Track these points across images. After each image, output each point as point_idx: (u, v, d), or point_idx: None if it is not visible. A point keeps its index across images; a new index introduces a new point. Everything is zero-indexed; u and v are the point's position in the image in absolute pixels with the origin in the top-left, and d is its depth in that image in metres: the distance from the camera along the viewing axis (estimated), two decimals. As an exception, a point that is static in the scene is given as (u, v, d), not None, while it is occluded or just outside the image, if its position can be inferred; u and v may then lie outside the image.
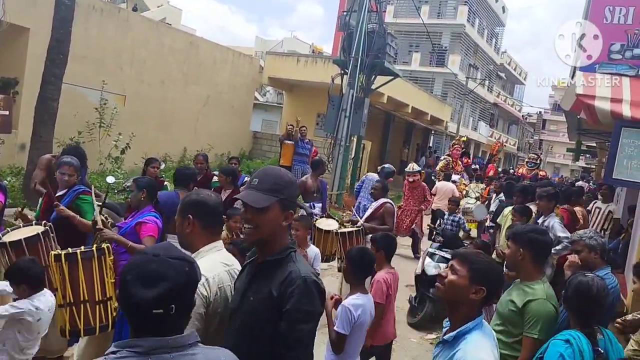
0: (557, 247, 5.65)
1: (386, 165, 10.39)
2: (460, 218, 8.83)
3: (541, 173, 16.02)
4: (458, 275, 2.23)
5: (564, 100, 6.17)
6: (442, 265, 6.67)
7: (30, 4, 10.69)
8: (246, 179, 7.94)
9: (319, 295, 1.99)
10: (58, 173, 4.50)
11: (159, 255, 1.54)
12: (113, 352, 1.49)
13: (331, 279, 7.58)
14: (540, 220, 6.19)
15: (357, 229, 6.10)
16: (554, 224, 6.02)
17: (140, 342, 1.49)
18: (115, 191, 8.27)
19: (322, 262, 6.78)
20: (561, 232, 5.91)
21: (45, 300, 3.56)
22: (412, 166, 10.70)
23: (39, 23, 10.24)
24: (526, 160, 16.98)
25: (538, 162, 16.25)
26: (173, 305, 1.49)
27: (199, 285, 2.01)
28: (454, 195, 11.76)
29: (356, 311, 3.31)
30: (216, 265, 2.27)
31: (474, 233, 12.30)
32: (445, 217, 8.94)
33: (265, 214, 2.04)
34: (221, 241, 2.46)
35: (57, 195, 4.42)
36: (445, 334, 2.28)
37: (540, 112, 56.12)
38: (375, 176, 9.40)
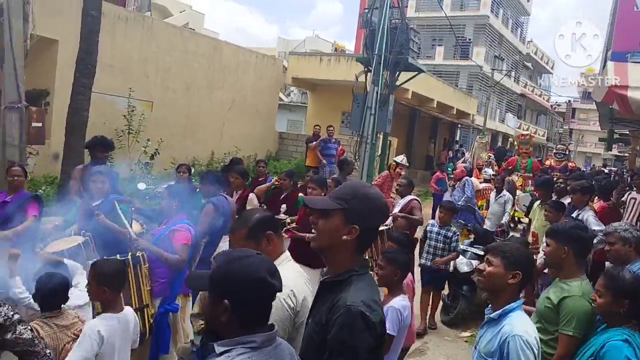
0: (593, 241, 5.54)
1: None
2: (454, 233, 6.34)
3: (570, 164, 15.68)
4: (494, 266, 2.55)
5: (595, 91, 6.03)
6: (474, 262, 6.59)
7: (58, 16, 10.93)
8: (273, 179, 7.99)
9: (367, 329, 1.75)
10: (91, 182, 4.59)
11: (260, 254, 1.76)
12: (226, 352, 1.62)
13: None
14: (574, 214, 6.08)
15: (384, 227, 6.07)
16: (589, 217, 5.92)
17: (254, 338, 1.64)
18: (147, 197, 8.40)
19: None
20: (596, 225, 5.79)
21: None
22: (404, 159, 10.52)
23: (67, 35, 10.46)
24: (554, 151, 16.68)
25: (567, 152, 15.94)
26: None
27: (285, 297, 2.21)
28: (477, 187, 11.52)
29: (404, 312, 3.36)
30: (296, 276, 2.37)
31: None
32: (435, 229, 6.42)
33: (325, 219, 1.93)
34: (287, 250, 2.54)
35: (93, 205, 4.51)
36: (490, 314, 2.59)
37: (569, 101, 54.93)
38: (476, 181, 9.56)
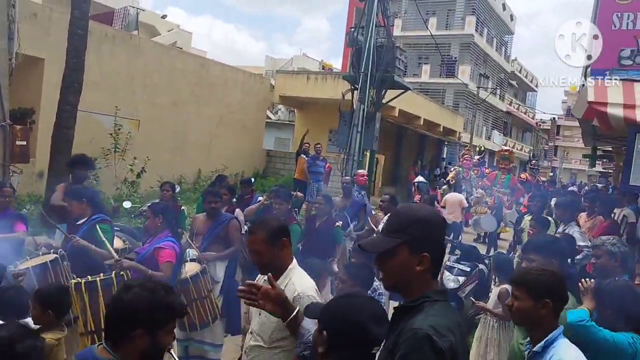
0: (579, 257, 5.59)
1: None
2: None
3: (541, 179, 16.08)
4: (521, 300, 2.46)
5: (575, 108, 6.15)
6: (461, 279, 6.60)
7: (44, 35, 10.93)
8: (259, 198, 7.95)
9: (432, 353, 1.61)
10: (72, 204, 4.56)
11: (373, 299, 1.74)
12: None
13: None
14: (560, 229, 6.13)
15: None
16: (574, 233, 5.97)
17: None
18: (132, 216, 8.35)
19: None
20: (582, 241, 5.84)
21: None
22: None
23: (54, 53, 10.45)
24: (529, 166, 17.18)
25: (538, 168, 16.46)
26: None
27: (312, 293, 2.48)
28: (463, 205, 11.55)
29: None
30: (309, 281, 2.64)
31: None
32: None
33: (391, 259, 1.78)
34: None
35: (77, 223, 4.47)
36: (533, 348, 2.48)
37: (553, 119, 55.69)
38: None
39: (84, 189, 4.78)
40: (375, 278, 3.79)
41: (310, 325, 2.03)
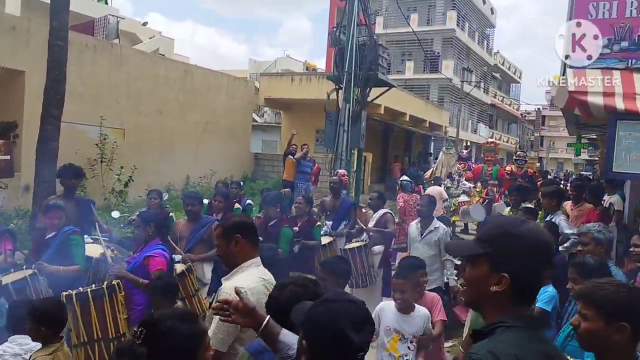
0: (566, 245, 5.66)
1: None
2: None
3: (530, 170, 16.07)
4: (590, 320, 1.95)
5: (557, 97, 6.22)
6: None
7: (24, 47, 10.84)
8: (248, 201, 7.93)
9: None
10: (46, 218, 4.53)
11: (355, 301, 1.67)
12: None
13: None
14: (547, 219, 6.20)
15: (362, 243, 6.14)
16: (560, 221, 6.03)
17: None
18: (121, 225, 8.31)
19: None
20: (567, 228, 5.91)
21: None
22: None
23: (34, 65, 10.37)
24: (514, 157, 17.20)
25: (526, 159, 16.37)
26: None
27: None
28: (443, 197, 11.57)
29: None
30: (255, 279, 2.54)
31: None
32: None
33: (471, 268, 1.59)
34: (259, 257, 2.71)
35: (47, 237, 4.45)
36: None
37: (538, 109, 56.09)
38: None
39: (87, 204, 4.76)
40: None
41: (290, 338, 1.95)
